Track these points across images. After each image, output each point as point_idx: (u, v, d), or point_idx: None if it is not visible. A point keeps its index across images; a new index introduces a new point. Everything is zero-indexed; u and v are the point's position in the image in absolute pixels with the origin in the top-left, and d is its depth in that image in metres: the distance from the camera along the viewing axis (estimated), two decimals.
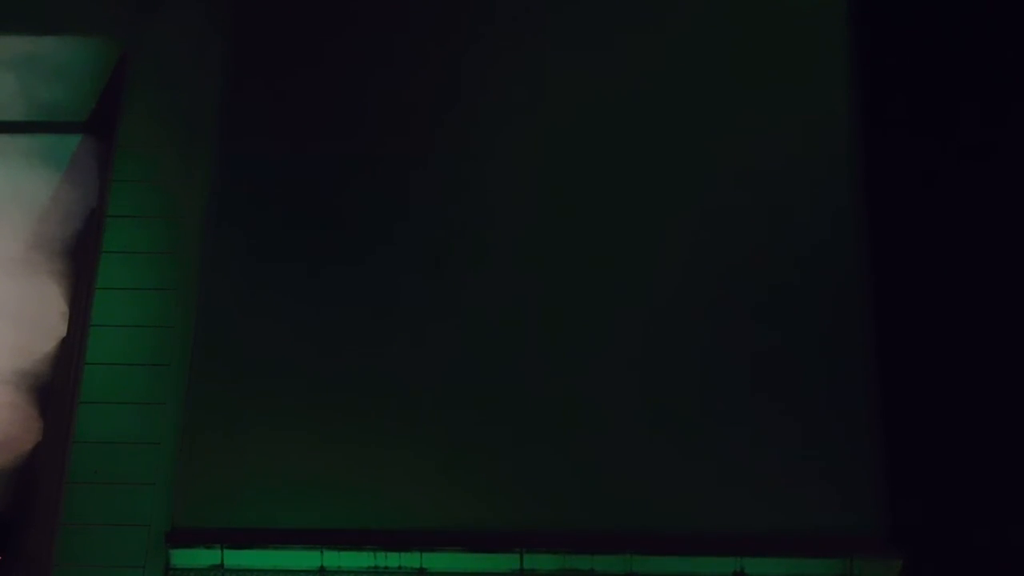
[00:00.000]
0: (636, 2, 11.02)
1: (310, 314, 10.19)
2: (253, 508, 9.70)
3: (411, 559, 9.60)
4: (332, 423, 9.91)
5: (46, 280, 10.58)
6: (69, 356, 10.30)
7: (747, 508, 9.64)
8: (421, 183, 10.55)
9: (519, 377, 10.01)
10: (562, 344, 10.10)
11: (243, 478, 9.77)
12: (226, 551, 9.61)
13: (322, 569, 9.61)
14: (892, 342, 10.08)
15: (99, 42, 11.07)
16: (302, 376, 10.02)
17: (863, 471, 9.70)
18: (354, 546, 9.61)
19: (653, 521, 9.64)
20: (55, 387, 10.29)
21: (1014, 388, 10.14)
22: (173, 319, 10.20)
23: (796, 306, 10.13)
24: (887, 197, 10.53)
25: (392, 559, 9.59)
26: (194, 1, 11.07)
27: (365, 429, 9.89)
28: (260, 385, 10.00)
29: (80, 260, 10.62)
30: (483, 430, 9.89)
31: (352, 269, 10.31)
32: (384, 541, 9.61)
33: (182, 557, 9.62)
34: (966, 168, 10.80)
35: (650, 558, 9.57)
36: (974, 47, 11.13)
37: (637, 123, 10.70)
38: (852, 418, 9.83)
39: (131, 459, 9.82)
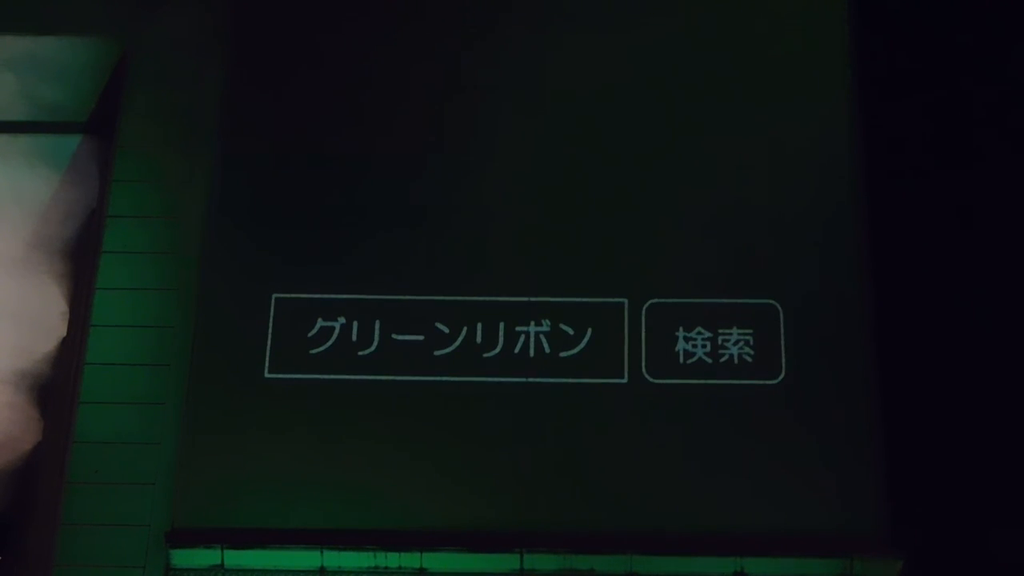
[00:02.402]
0: (635, 2, 11.03)
1: (310, 314, 10.21)
2: (253, 508, 9.70)
3: (411, 559, 9.60)
4: (332, 423, 9.91)
5: (46, 280, 10.58)
6: (69, 356, 10.30)
7: (747, 508, 9.64)
8: (421, 183, 10.55)
9: (519, 376, 10.01)
10: (562, 344, 10.10)
11: (243, 478, 9.77)
12: (226, 551, 9.61)
13: (322, 569, 9.61)
14: (892, 342, 10.08)
15: (99, 42, 11.07)
16: (303, 376, 10.02)
17: (863, 471, 9.70)
18: (354, 546, 9.60)
19: (653, 521, 9.64)
20: (55, 387, 10.28)
21: (1014, 389, 10.14)
22: (173, 319, 10.20)
23: (796, 306, 10.13)
24: (888, 198, 10.53)
25: (392, 559, 9.59)
26: (194, 1, 11.07)
27: (365, 429, 9.89)
28: (260, 385, 10.00)
29: (80, 260, 10.62)
30: (483, 430, 9.89)
31: (352, 269, 10.31)
32: (384, 541, 9.61)
33: (182, 557, 9.62)
34: (967, 168, 10.80)
35: (650, 558, 9.57)
36: (976, 47, 11.14)
37: (636, 123, 10.70)
38: (852, 418, 9.83)
39: (131, 459, 9.82)
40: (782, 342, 10.05)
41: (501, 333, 10.13)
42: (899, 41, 11.09)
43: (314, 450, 9.83)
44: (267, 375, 10.03)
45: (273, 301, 10.22)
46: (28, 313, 10.46)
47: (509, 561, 9.58)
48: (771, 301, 10.15)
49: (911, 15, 11.15)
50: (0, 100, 11.05)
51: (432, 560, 9.59)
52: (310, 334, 10.14)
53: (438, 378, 10.02)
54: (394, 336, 10.13)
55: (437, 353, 10.10)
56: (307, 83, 10.84)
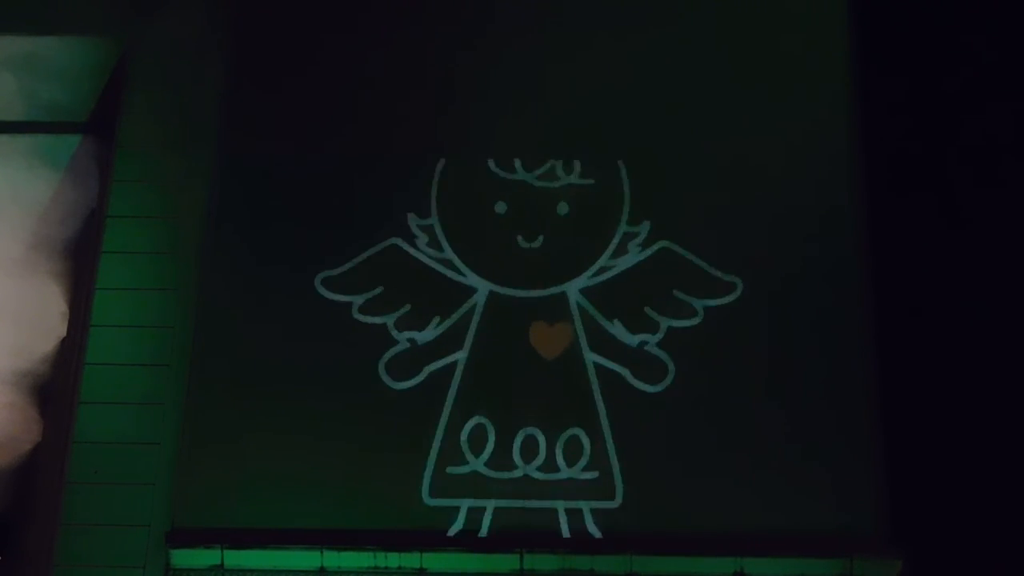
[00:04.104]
0: (635, 1, 11.03)
1: (310, 314, 10.20)
2: (253, 508, 9.69)
3: (411, 559, 9.59)
4: (332, 423, 9.90)
5: (46, 280, 10.58)
6: (69, 356, 10.30)
7: (747, 508, 9.64)
8: (421, 183, 10.55)
9: (519, 377, 10.01)
10: (562, 345, 10.10)
11: (243, 478, 9.77)
12: (226, 551, 9.61)
13: (322, 569, 9.61)
14: (892, 342, 10.08)
15: (99, 42, 11.07)
16: (302, 376, 10.02)
17: (863, 471, 9.70)
18: (354, 546, 9.60)
19: (653, 521, 9.63)
20: (55, 387, 10.28)
21: (1014, 388, 10.14)
22: (173, 319, 10.20)
23: (796, 307, 10.13)
24: (887, 197, 10.54)
25: (392, 559, 9.59)
26: (194, 1, 11.07)
27: (365, 429, 9.89)
28: (260, 385, 10.00)
29: (80, 260, 10.62)
30: (483, 430, 9.88)
31: (352, 269, 10.31)
32: (384, 541, 9.61)
33: (182, 557, 9.61)
34: (966, 168, 10.80)
35: (650, 558, 9.57)
36: (975, 45, 11.14)
37: (637, 125, 10.70)
38: (852, 418, 9.83)
39: (131, 459, 9.82)
40: (782, 343, 10.05)
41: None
42: (900, 40, 11.08)
43: (314, 450, 9.82)
44: (267, 375, 10.03)
45: (273, 301, 10.23)
46: (28, 313, 10.46)
47: (509, 561, 9.58)
48: (772, 301, 10.16)
49: (911, 14, 11.15)
50: (0, 100, 11.05)
51: (432, 560, 9.58)
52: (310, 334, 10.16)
53: (439, 378, 10.03)
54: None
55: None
56: (306, 83, 10.84)
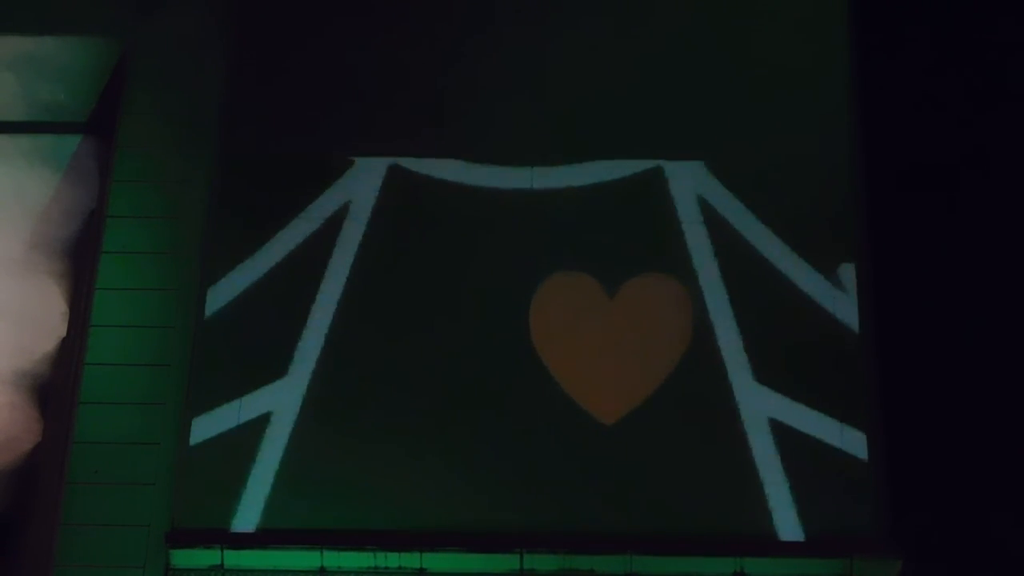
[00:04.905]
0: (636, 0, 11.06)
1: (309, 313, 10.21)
2: (253, 508, 9.69)
3: (411, 559, 9.60)
4: (332, 423, 9.90)
5: (46, 280, 10.59)
6: (69, 356, 10.31)
7: (747, 508, 9.64)
8: (421, 183, 10.55)
9: (520, 377, 10.00)
10: (563, 344, 10.10)
11: (244, 478, 9.76)
12: (226, 551, 9.61)
13: (322, 569, 9.61)
14: (892, 342, 10.08)
15: (99, 42, 11.08)
16: (302, 375, 10.02)
17: (863, 471, 9.70)
18: (354, 546, 9.60)
19: (653, 521, 9.64)
20: (55, 387, 10.29)
21: (1014, 388, 10.15)
22: (173, 319, 10.20)
23: (797, 306, 10.14)
24: (887, 197, 10.55)
25: (392, 559, 9.59)
26: (194, 1, 11.08)
27: (365, 429, 9.88)
28: (260, 385, 10.00)
29: (80, 260, 10.63)
30: (483, 430, 9.88)
31: (351, 268, 10.30)
32: (384, 541, 9.61)
33: (182, 557, 9.62)
34: (966, 167, 10.81)
35: (650, 558, 9.57)
36: (974, 44, 11.15)
37: (637, 125, 10.71)
38: (852, 418, 9.83)
39: (131, 459, 9.82)
40: (782, 342, 10.05)
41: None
42: (900, 40, 11.10)
43: (314, 450, 9.82)
44: (267, 375, 10.03)
45: (273, 301, 10.23)
46: (28, 313, 10.47)
47: (509, 561, 9.58)
48: (772, 301, 10.17)
49: (912, 14, 11.17)
50: (0, 100, 11.06)
51: (432, 560, 9.58)
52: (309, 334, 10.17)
53: (439, 377, 10.03)
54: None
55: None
56: (306, 83, 10.84)
